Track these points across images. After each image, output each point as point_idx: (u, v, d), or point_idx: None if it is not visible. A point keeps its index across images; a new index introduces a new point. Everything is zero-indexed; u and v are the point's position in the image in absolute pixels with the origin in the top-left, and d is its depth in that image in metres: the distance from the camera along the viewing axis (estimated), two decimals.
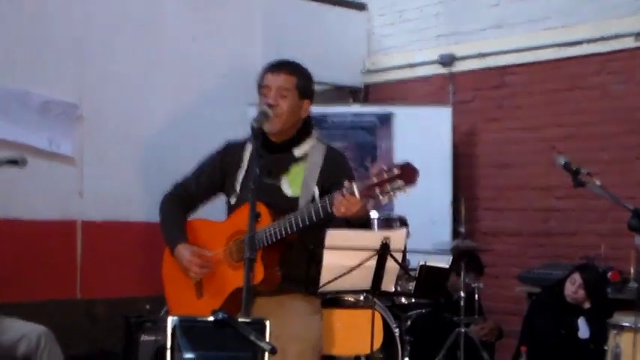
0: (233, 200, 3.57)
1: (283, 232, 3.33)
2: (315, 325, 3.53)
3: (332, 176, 3.47)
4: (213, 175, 3.66)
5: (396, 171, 3.12)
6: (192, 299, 3.59)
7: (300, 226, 3.30)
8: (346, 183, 3.17)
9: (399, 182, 3.12)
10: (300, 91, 3.54)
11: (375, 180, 3.14)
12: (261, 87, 3.55)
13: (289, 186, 3.50)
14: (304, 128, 3.59)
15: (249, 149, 3.59)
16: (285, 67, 3.58)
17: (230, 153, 3.65)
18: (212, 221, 3.67)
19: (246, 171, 3.56)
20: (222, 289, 3.45)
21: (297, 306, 3.52)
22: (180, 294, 3.64)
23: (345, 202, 3.16)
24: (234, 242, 3.49)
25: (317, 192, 3.47)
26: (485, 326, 5.84)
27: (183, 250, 3.57)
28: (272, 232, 3.34)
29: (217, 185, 3.67)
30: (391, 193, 3.14)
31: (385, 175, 3.13)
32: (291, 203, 3.46)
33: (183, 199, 3.71)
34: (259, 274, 3.35)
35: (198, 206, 3.75)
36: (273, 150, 3.45)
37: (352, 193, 3.16)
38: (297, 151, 3.55)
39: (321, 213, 3.26)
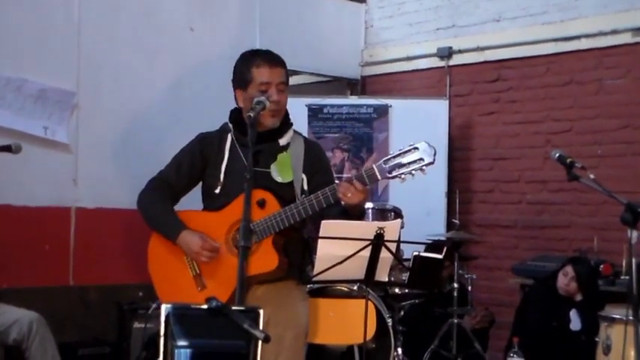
0: (218, 189, 3.56)
1: (297, 217, 3.37)
2: (306, 311, 3.58)
3: (315, 165, 3.60)
4: (194, 165, 3.65)
5: (414, 151, 3.29)
6: (192, 291, 3.52)
7: (317, 209, 3.35)
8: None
9: (419, 162, 3.29)
10: (288, 83, 3.60)
11: (395, 161, 3.28)
12: (251, 82, 3.52)
13: (278, 173, 3.53)
14: (286, 119, 3.62)
15: (228, 139, 3.61)
16: (279, 60, 3.61)
17: (208, 143, 3.65)
18: (203, 212, 3.64)
19: (229, 160, 3.58)
20: (230, 279, 3.38)
21: (292, 292, 3.56)
22: (177, 286, 3.56)
23: (352, 190, 3.28)
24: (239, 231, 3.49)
25: (305, 179, 3.53)
26: (477, 314, 5.87)
27: (191, 237, 3.50)
28: (285, 217, 3.37)
29: (197, 176, 3.66)
30: (412, 173, 3.28)
31: (405, 156, 3.29)
32: (285, 188, 3.50)
33: (165, 191, 3.66)
34: (274, 260, 3.39)
35: (180, 198, 3.73)
36: (260, 139, 3.35)
37: (363, 181, 3.27)
38: (282, 141, 3.59)
39: (325, 202, 3.34)
